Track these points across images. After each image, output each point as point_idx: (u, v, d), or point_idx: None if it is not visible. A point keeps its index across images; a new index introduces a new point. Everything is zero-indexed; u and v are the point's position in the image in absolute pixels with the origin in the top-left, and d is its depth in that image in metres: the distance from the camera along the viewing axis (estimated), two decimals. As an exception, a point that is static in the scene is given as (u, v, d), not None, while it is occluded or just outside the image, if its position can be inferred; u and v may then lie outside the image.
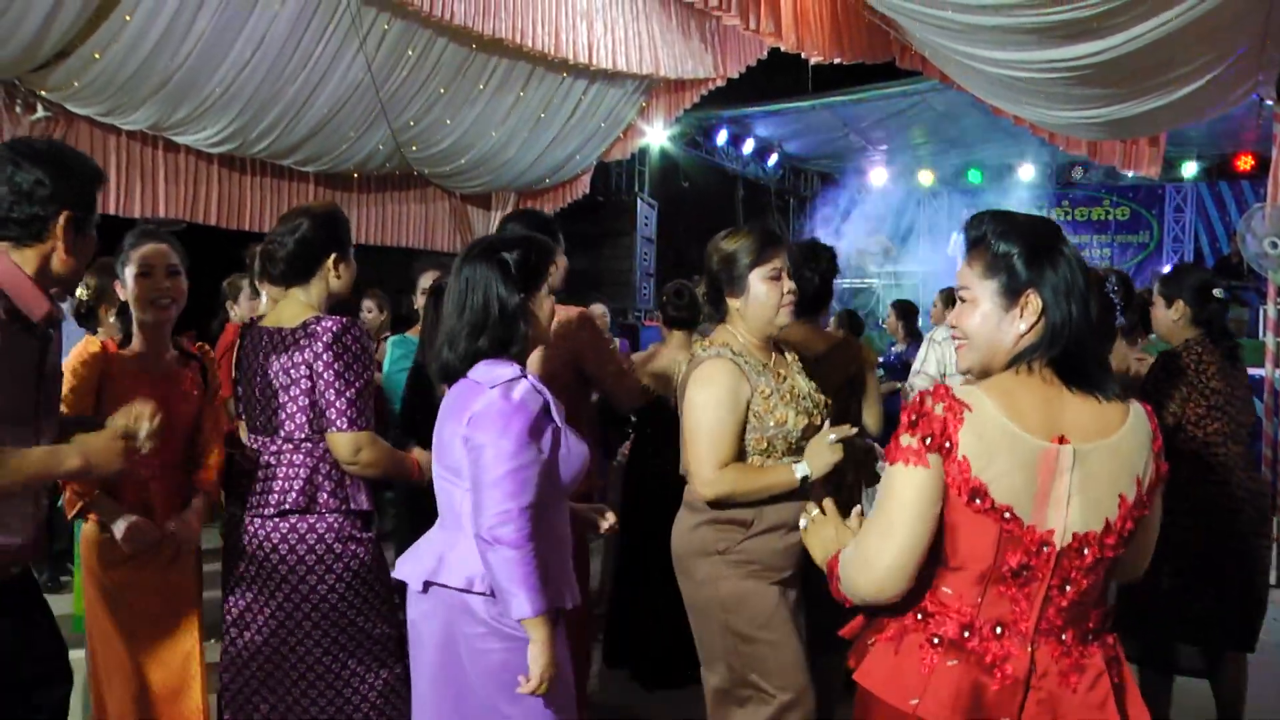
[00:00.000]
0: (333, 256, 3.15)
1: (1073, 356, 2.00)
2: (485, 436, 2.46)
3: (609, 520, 3.00)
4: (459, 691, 2.58)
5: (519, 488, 2.44)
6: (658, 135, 12.53)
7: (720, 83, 10.92)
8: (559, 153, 11.14)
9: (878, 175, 16.98)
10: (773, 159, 16.10)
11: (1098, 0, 5.76)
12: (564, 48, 9.12)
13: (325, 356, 2.97)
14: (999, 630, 1.96)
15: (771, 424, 3.01)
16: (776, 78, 12.07)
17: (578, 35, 9.21)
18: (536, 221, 3.72)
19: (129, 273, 3.23)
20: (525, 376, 2.57)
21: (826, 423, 3.11)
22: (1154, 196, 16.62)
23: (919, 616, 2.02)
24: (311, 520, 3.03)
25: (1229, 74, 6.90)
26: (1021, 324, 2.01)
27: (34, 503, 2.49)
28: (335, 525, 3.05)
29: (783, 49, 8.91)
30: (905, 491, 1.95)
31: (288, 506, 3.02)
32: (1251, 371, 9.28)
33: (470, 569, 2.52)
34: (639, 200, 13.28)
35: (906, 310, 8.33)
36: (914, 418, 1.95)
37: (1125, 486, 1.97)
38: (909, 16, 7.24)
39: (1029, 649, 1.96)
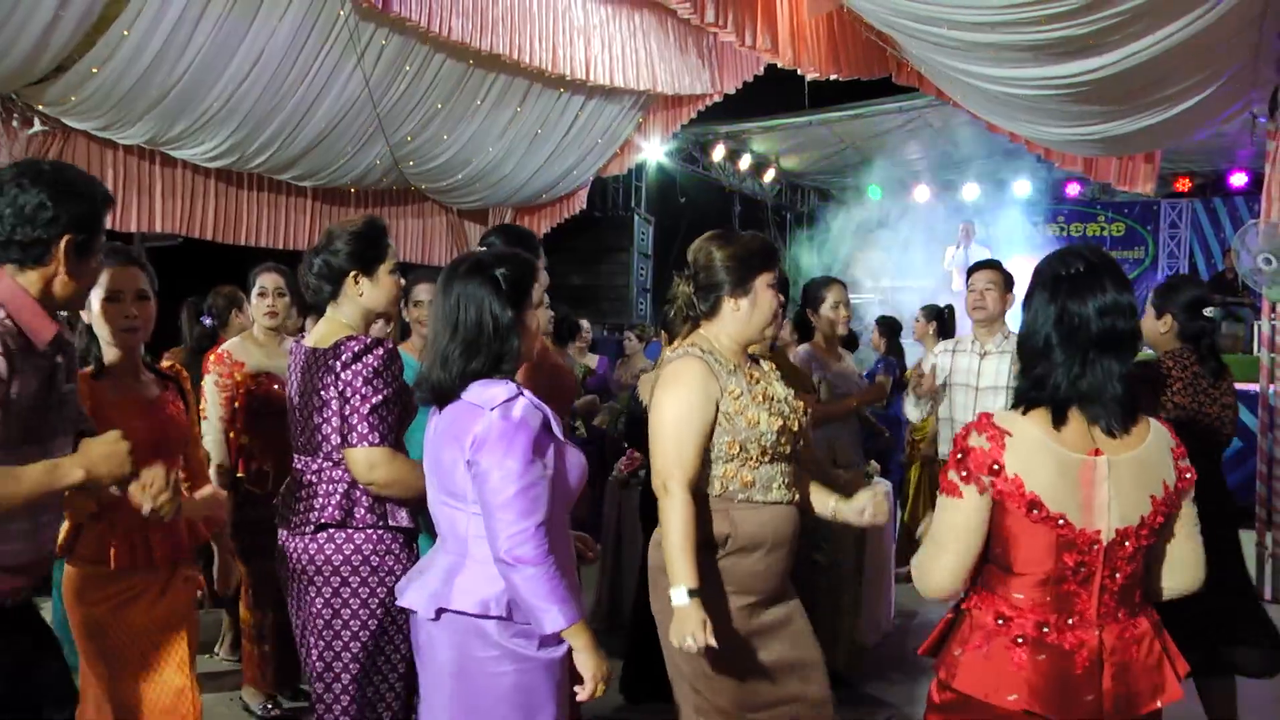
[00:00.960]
0: (353, 274, 3.15)
1: (1048, 391, 2.26)
2: (490, 459, 2.45)
3: (594, 550, 3.14)
4: (474, 716, 2.58)
5: (531, 506, 2.44)
6: (654, 151, 12.56)
7: (717, 98, 10.95)
8: (556, 168, 11.17)
9: (874, 190, 17.03)
10: (769, 174, 16.14)
11: (1093, 19, 5.78)
12: (561, 64, 9.14)
13: (345, 375, 3.00)
14: (1070, 621, 2.25)
15: (743, 425, 2.94)
16: (773, 94, 12.09)
17: (575, 51, 9.23)
18: (517, 236, 3.71)
19: (95, 296, 3.12)
20: (522, 393, 2.56)
21: (778, 379, 3.16)
22: (1149, 212, 16.67)
23: (999, 622, 2.29)
24: (349, 533, 3.05)
25: (1222, 92, 6.93)
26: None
27: (33, 520, 2.45)
28: (373, 539, 3.06)
29: (779, 65, 8.94)
30: (950, 517, 2.29)
31: (324, 520, 3.06)
32: (1246, 387, 9.33)
33: (484, 593, 2.52)
34: (636, 216, 13.32)
35: (891, 327, 8.33)
36: (959, 455, 2.25)
37: (1154, 489, 2.25)
38: (905, 33, 7.27)
39: (1097, 632, 2.25)
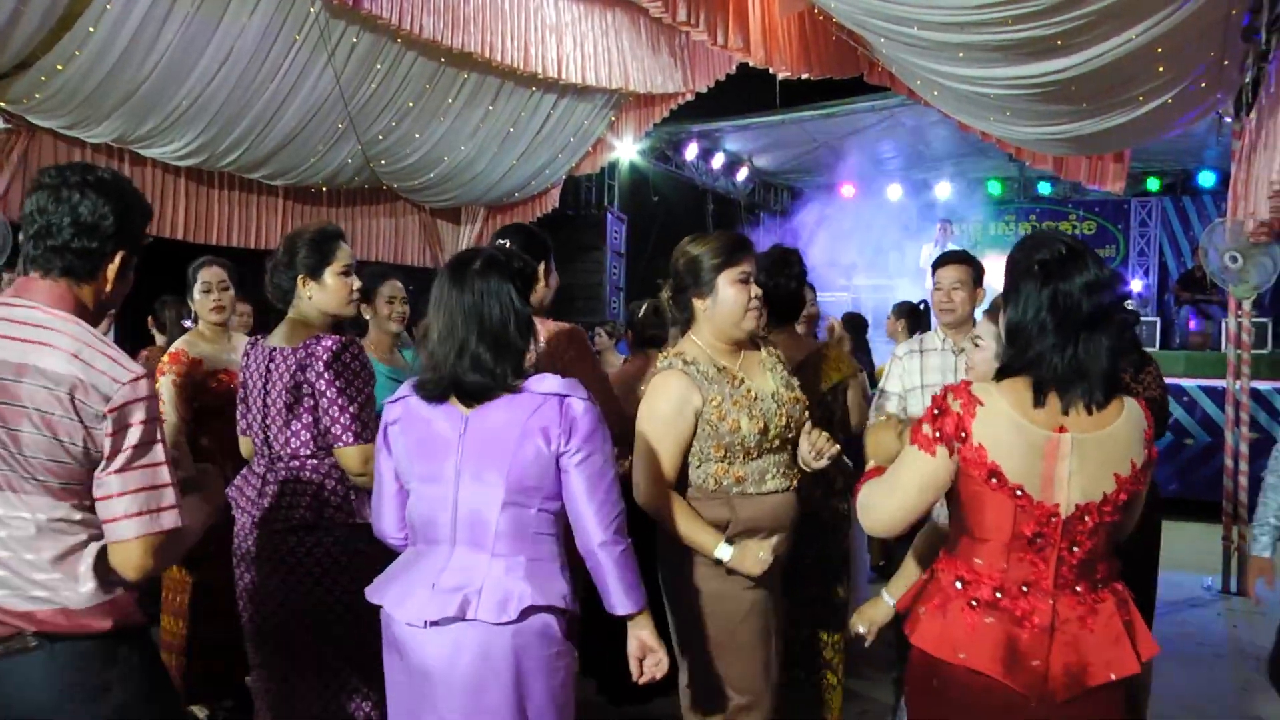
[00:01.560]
0: (300, 278, 3.22)
1: (1034, 368, 2.32)
2: (593, 446, 2.51)
3: None
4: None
5: (620, 488, 2.57)
6: (627, 149, 12.55)
7: (689, 97, 10.95)
8: (528, 167, 11.15)
9: (847, 189, 17.07)
10: (743, 173, 16.14)
11: (1061, 19, 5.82)
12: (533, 62, 9.13)
13: (327, 375, 3.04)
14: (1025, 589, 2.33)
15: (725, 430, 3.03)
16: (747, 92, 12.10)
17: (547, 50, 9.22)
18: (529, 235, 3.64)
19: None
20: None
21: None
22: (1119, 211, 16.79)
23: (958, 585, 2.39)
24: (319, 535, 3.11)
25: (1189, 93, 6.98)
26: (1001, 326, 2.43)
27: None
28: (343, 539, 3.12)
29: (751, 64, 8.95)
30: (913, 465, 2.39)
31: (295, 521, 3.10)
32: (1214, 383, 9.38)
33: (556, 588, 2.51)
34: (609, 214, 13.30)
35: (855, 324, 8.33)
36: (936, 411, 2.34)
37: (1120, 467, 2.31)
38: (875, 33, 7.29)
39: (1051, 602, 2.32)
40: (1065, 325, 2.28)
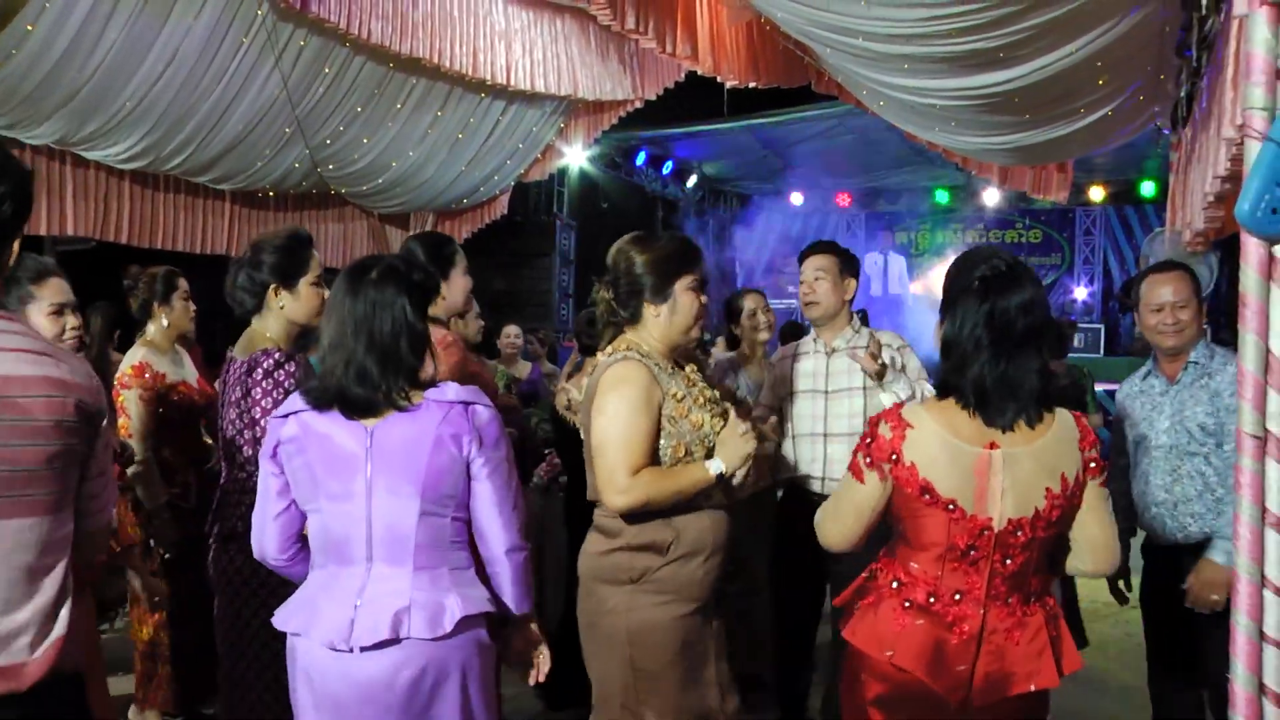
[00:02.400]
0: (273, 287, 3.21)
1: (965, 382, 2.40)
2: (499, 454, 2.52)
3: None
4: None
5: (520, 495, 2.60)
6: (577, 156, 12.56)
7: (639, 104, 10.96)
8: (477, 173, 11.11)
9: (796, 197, 17.17)
10: (692, 180, 16.20)
11: (1003, 33, 5.90)
12: (482, 68, 9.09)
13: (264, 384, 3.06)
14: (957, 596, 2.41)
15: (687, 427, 2.91)
16: (696, 100, 12.14)
17: (496, 56, 9.18)
18: (435, 243, 3.67)
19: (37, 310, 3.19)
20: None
21: (733, 414, 3.00)
22: (1065, 220, 17.05)
23: (894, 585, 2.49)
24: (247, 546, 3.01)
25: (1128, 104, 7.10)
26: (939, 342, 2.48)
27: None
28: None
29: (699, 72, 8.98)
30: (847, 492, 2.53)
31: (228, 532, 3.11)
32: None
33: (482, 594, 2.54)
34: (558, 221, 13.29)
35: (796, 331, 8.37)
36: (868, 440, 2.45)
37: (1051, 481, 2.37)
38: (821, 43, 7.35)
39: (981, 611, 2.40)
40: (999, 342, 2.33)
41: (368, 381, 2.43)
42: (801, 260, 4.32)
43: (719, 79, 8.88)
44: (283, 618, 2.52)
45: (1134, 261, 15.68)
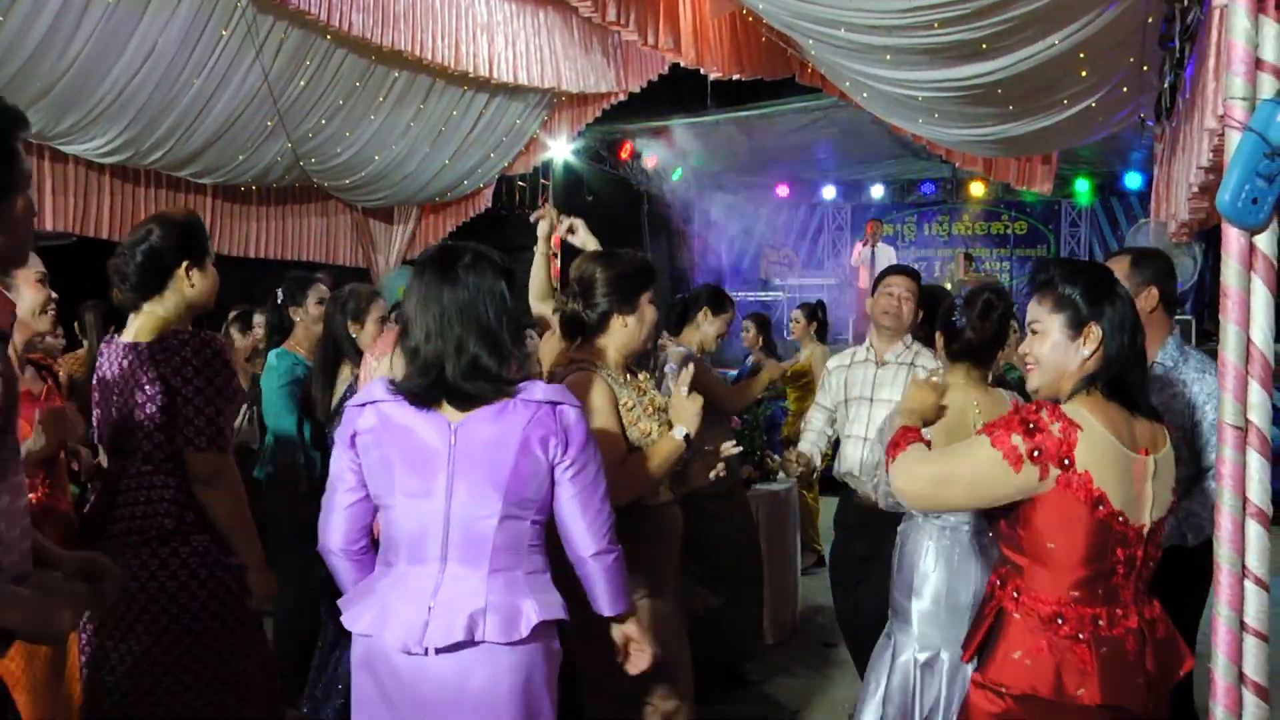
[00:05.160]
0: (184, 265, 3.00)
1: (1125, 381, 2.40)
2: (588, 454, 2.43)
3: None
4: None
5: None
6: (561, 149, 12.49)
7: (622, 97, 10.93)
8: (460, 166, 11.06)
9: (782, 189, 17.12)
10: (677, 173, 16.13)
11: (986, 23, 5.89)
12: (464, 61, 9.05)
13: (185, 371, 2.85)
14: (1119, 611, 2.38)
15: (637, 435, 3.11)
16: (683, 93, 12.10)
17: (478, 49, 9.14)
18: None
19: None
20: None
21: (672, 384, 3.25)
22: (1050, 212, 17.01)
23: (1058, 621, 2.36)
24: (175, 545, 2.88)
25: (1111, 97, 7.10)
26: (1085, 350, 2.40)
27: None
28: (202, 549, 2.91)
29: (682, 64, 8.95)
30: (979, 466, 2.35)
31: (153, 533, 2.87)
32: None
33: (557, 596, 2.43)
34: (544, 214, 13.20)
35: (762, 322, 8.34)
36: (1030, 425, 2.30)
37: (1174, 484, 2.46)
38: (804, 34, 7.33)
39: (1137, 616, 2.39)
40: (1141, 344, 2.44)
41: (483, 372, 2.32)
42: (887, 277, 4.56)
43: (702, 70, 8.84)
44: (351, 617, 2.42)
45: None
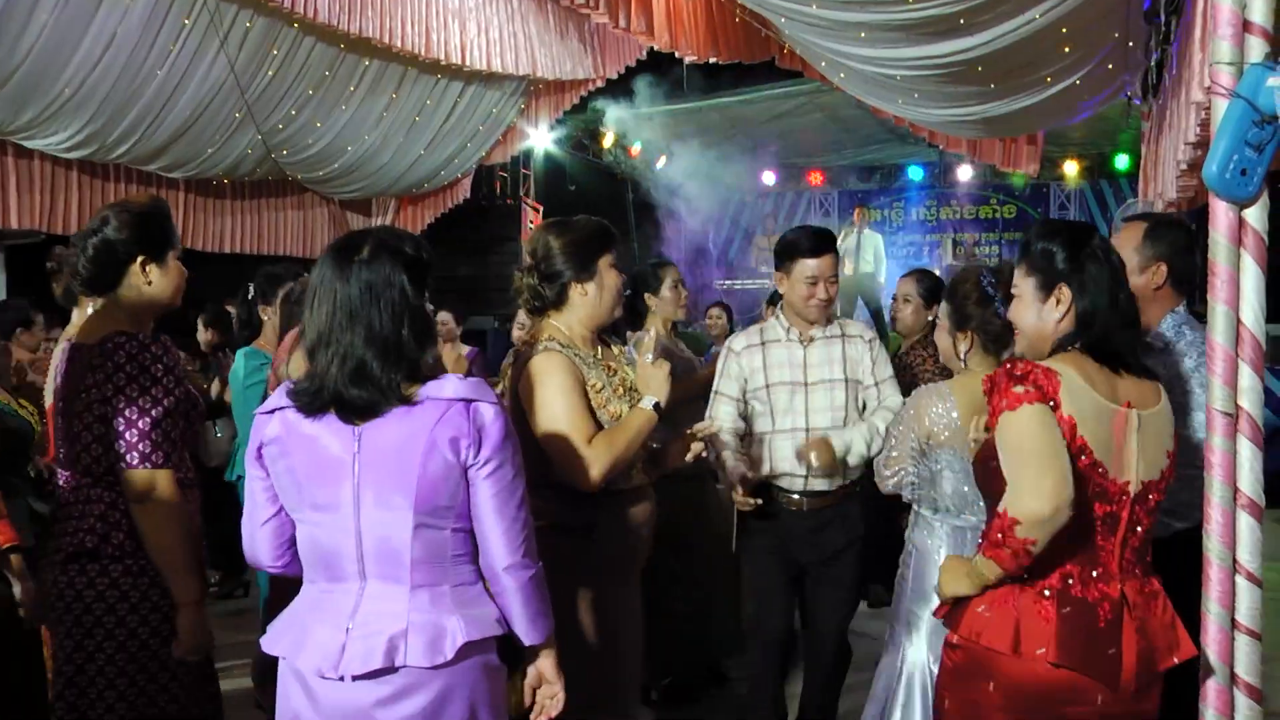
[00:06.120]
0: (139, 260, 2.75)
1: (1107, 342, 2.33)
2: (505, 456, 2.18)
3: None
4: None
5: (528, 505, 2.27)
6: (542, 138, 12.34)
7: (600, 83, 10.78)
8: (437, 156, 10.88)
9: (768, 176, 17.01)
10: (662, 161, 15.97)
11: (961, -4, 5.74)
12: (435, 48, 8.86)
13: (117, 379, 2.61)
14: (1095, 574, 2.27)
15: (606, 418, 2.99)
16: (671, 77, 11.98)
17: (450, 35, 8.96)
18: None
19: None
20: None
21: (637, 355, 3.11)
22: (1039, 195, 16.91)
23: (1025, 576, 2.26)
24: (104, 564, 2.67)
25: (1097, 73, 6.95)
26: (1056, 313, 2.36)
27: None
28: (134, 570, 2.68)
29: (656, 48, 8.77)
30: (1035, 420, 2.20)
31: (75, 549, 2.67)
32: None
33: (490, 613, 2.23)
34: (524, 204, 13.08)
35: (729, 309, 8.16)
36: (1019, 373, 2.23)
37: (1168, 445, 2.36)
38: (775, 13, 7.14)
39: (1120, 585, 2.28)
40: (1123, 301, 2.36)
41: (367, 380, 2.12)
42: (801, 256, 3.89)
43: (677, 54, 8.64)
44: (271, 639, 2.25)
45: (1108, 236, 15.56)
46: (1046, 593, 2.26)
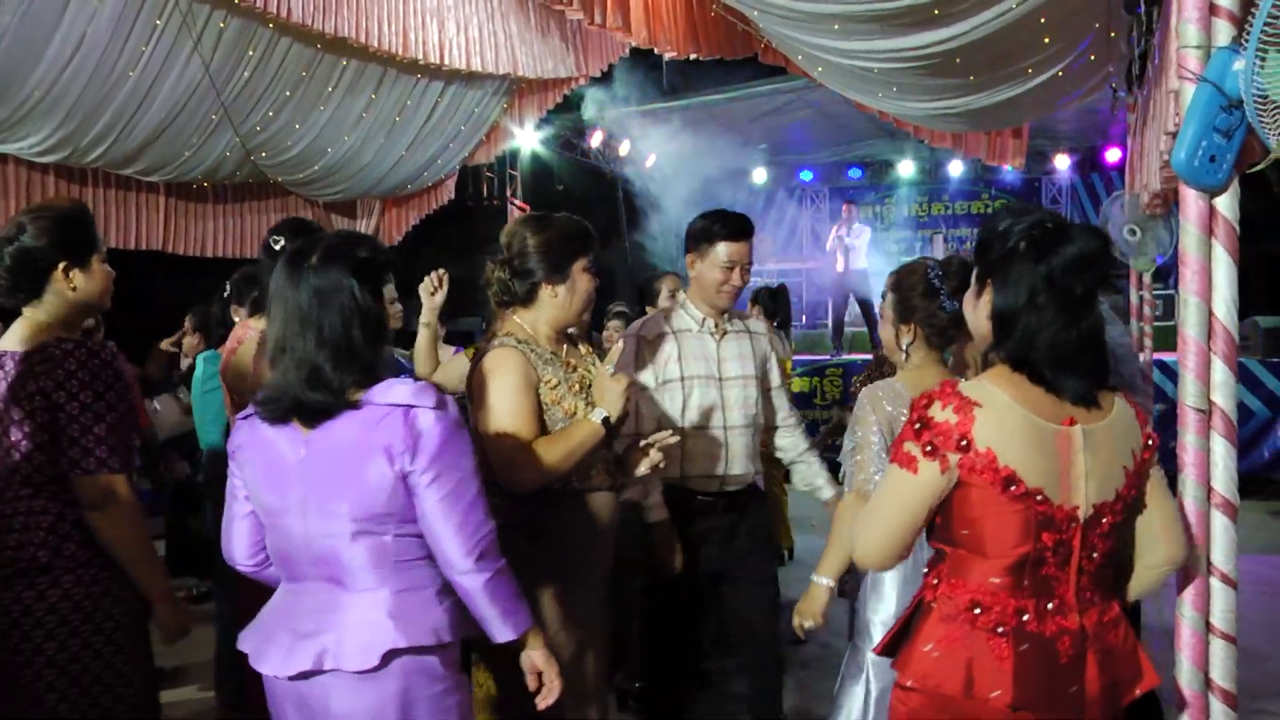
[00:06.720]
0: (61, 265, 2.69)
1: (1030, 350, 2.07)
2: (446, 462, 2.17)
3: None
4: None
5: (488, 506, 2.27)
6: (528, 138, 12.24)
7: (583, 82, 10.67)
8: (419, 157, 10.77)
9: (759, 174, 16.95)
10: (651, 160, 15.90)
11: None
12: (413, 47, 8.75)
13: (69, 385, 2.56)
14: (1050, 606, 2.08)
15: (560, 415, 2.94)
16: (655, 77, 11.90)
17: (428, 34, 8.85)
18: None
19: None
20: (444, 389, 2.26)
21: (598, 362, 3.09)
22: (1030, 189, 16.90)
23: (976, 611, 2.10)
24: (58, 575, 2.60)
25: (1079, 64, 6.87)
26: (984, 311, 2.17)
27: None
28: (86, 580, 2.62)
29: (634, 44, 8.66)
30: (897, 489, 2.10)
31: (23, 565, 2.59)
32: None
33: (431, 620, 2.22)
34: (510, 205, 12.99)
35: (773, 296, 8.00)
36: (918, 426, 2.07)
37: (1125, 460, 2.11)
38: (748, 6, 7.03)
39: (1078, 618, 2.09)
40: (1065, 305, 2.06)
41: (322, 383, 2.16)
42: (719, 240, 3.76)
43: (656, 50, 8.52)
44: (242, 638, 2.34)
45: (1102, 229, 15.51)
46: (1000, 630, 2.08)
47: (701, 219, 3.79)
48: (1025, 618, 2.08)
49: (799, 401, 10.92)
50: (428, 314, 4.05)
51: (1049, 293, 2.06)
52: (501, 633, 2.29)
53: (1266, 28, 2.27)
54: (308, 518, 2.20)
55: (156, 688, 2.93)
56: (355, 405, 2.18)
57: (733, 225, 3.70)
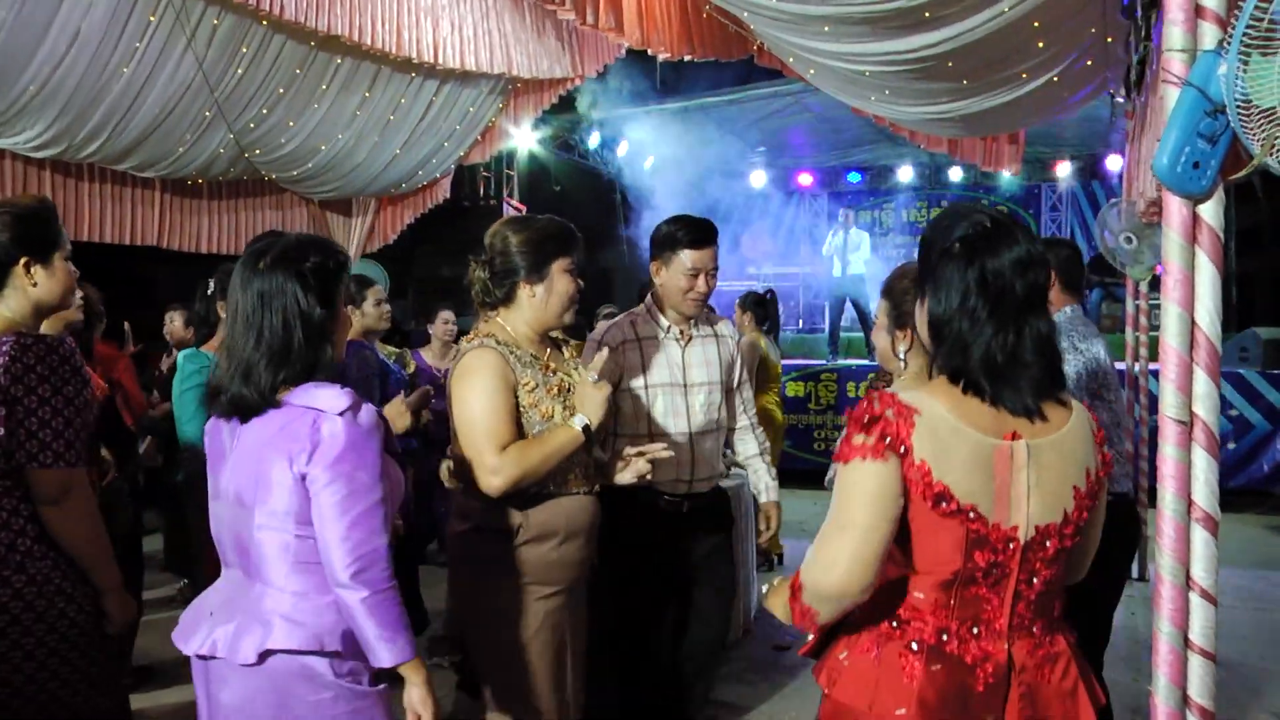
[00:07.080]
0: (23, 261, 2.68)
1: (964, 359, 1.96)
2: (339, 471, 2.20)
3: None
4: None
5: (382, 523, 2.25)
6: (525, 138, 12.18)
7: (579, 82, 10.61)
8: (413, 156, 10.69)
9: (757, 177, 16.92)
10: (649, 161, 15.87)
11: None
12: (407, 46, 8.69)
13: (27, 379, 2.54)
14: (976, 630, 1.96)
15: (537, 418, 2.93)
16: (649, 78, 11.86)
17: (422, 33, 8.78)
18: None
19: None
20: (363, 399, 2.28)
21: (580, 369, 3.09)
22: (1030, 196, 16.89)
23: (894, 624, 1.99)
24: (8, 574, 2.55)
25: (1075, 69, 6.82)
26: (923, 320, 2.06)
27: None
28: (40, 578, 2.58)
29: (628, 45, 8.60)
30: (863, 483, 1.89)
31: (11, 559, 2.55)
32: (1121, 366, 9.36)
33: (319, 626, 2.23)
34: (506, 205, 12.94)
35: (759, 302, 7.96)
36: (867, 419, 1.91)
37: (1076, 478, 1.97)
38: (739, 7, 6.98)
39: (1006, 646, 1.96)
40: (1000, 311, 1.93)
41: (250, 381, 2.26)
42: (682, 248, 3.76)
43: (650, 51, 8.45)
44: (183, 614, 2.44)
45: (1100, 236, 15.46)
46: (915, 646, 1.96)
47: (665, 225, 3.77)
48: (945, 638, 1.95)
49: (794, 406, 10.90)
50: None
51: (982, 296, 1.94)
52: (377, 657, 2.24)
53: (1249, 30, 2.23)
54: (230, 507, 2.31)
55: (120, 685, 2.91)
56: (278, 405, 2.26)
57: (696, 231, 3.69)
